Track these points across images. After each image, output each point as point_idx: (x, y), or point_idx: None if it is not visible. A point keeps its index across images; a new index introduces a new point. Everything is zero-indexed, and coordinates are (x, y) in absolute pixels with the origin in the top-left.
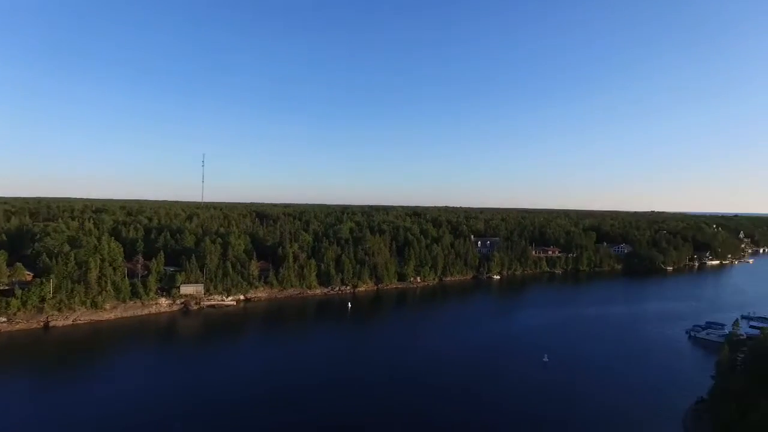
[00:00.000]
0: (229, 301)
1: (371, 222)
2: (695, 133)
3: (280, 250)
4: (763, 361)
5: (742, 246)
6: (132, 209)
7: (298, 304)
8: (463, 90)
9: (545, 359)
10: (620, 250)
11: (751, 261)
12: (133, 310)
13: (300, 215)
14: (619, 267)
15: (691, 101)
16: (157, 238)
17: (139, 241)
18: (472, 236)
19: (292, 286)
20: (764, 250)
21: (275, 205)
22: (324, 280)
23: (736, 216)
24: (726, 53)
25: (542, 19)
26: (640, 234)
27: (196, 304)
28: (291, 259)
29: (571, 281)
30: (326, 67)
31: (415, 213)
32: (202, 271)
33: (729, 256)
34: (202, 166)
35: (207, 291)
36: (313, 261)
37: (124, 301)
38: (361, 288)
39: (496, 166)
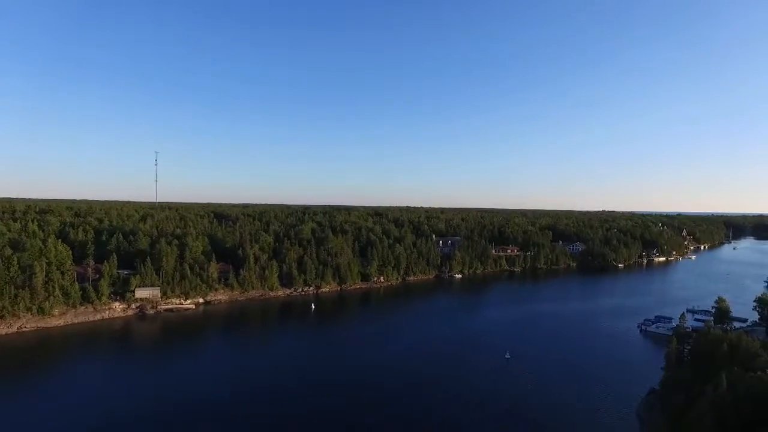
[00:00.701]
0: (188, 304)
1: (333, 222)
2: (641, 135)
3: (240, 251)
4: (706, 352)
5: (685, 243)
6: (80, 210)
7: (259, 306)
8: (419, 92)
9: (507, 356)
10: (575, 248)
11: (693, 257)
12: (84, 315)
13: (260, 216)
14: (574, 264)
15: (635, 103)
16: (109, 240)
17: (90, 243)
18: (434, 236)
19: (253, 287)
20: (704, 247)
21: (234, 206)
22: (286, 281)
23: (679, 215)
24: (670, 55)
25: (485, 22)
26: (593, 233)
27: (152, 308)
28: (252, 261)
29: (529, 279)
30: (287, 65)
31: (377, 213)
32: (158, 273)
33: (674, 252)
34: (155, 165)
35: (164, 294)
36: (274, 262)
37: (74, 307)
38: (325, 289)
39: (456, 167)
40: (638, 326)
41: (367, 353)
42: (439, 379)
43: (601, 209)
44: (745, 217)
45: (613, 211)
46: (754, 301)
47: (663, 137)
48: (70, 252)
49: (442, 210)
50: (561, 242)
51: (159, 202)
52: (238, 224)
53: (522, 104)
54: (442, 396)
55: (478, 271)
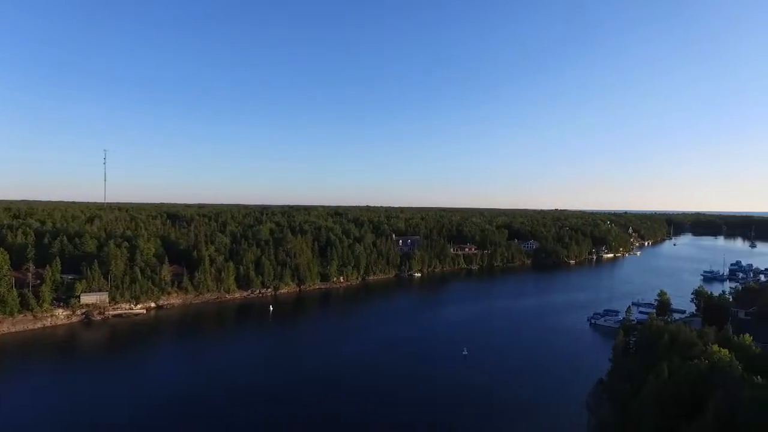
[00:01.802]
0: (138, 309)
1: (292, 222)
2: (590, 135)
3: (195, 253)
4: (650, 342)
5: (631, 240)
6: (20, 211)
7: (215, 310)
8: (377, 92)
9: (465, 352)
10: (529, 246)
11: (638, 253)
12: (23, 324)
13: (216, 216)
14: (528, 262)
15: (582, 105)
16: (52, 243)
17: (30, 246)
18: (394, 235)
19: (208, 290)
20: (648, 243)
21: (189, 206)
22: (243, 283)
23: (625, 213)
24: (620, 53)
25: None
26: (547, 231)
27: (99, 314)
28: (207, 263)
29: (486, 276)
30: (240, 63)
31: (337, 213)
32: (106, 278)
33: (621, 249)
34: (104, 164)
35: (112, 299)
36: (231, 264)
37: (11, 315)
38: (283, 290)
39: (415, 167)
40: (588, 320)
41: (327, 353)
42: (397, 377)
43: (553, 208)
44: (684, 214)
45: (565, 210)
46: (692, 293)
47: (609, 138)
48: (7, 256)
49: (402, 209)
50: (516, 240)
51: (108, 203)
52: (192, 225)
53: (477, 107)
54: (400, 393)
55: (437, 270)
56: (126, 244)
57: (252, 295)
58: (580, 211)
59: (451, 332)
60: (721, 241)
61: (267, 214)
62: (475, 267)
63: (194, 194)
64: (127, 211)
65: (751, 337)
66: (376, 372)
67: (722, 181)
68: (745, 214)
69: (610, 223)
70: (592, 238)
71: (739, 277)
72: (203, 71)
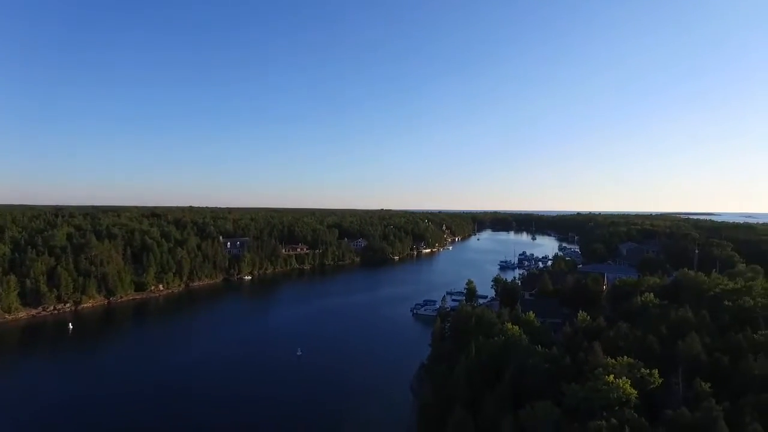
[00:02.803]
0: None
1: (97, 225)
2: (416, 145)
3: None
4: (461, 326)
5: (445, 236)
6: None
7: None
8: (199, 92)
9: (299, 353)
10: (358, 244)
11: (450, 248)
12: None
13: None
14: (358, 259)
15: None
16: None
17: None
18: (221, 237)
19: None
20: (459, 239)
21: None
22: (32, 299)
23: (440, 212)
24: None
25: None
26: (374, 229)
27: None
28: None
29: (318, 275)
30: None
31: (154, 214)
32: None
33: (437, 244)
34: None
35: None
36: (12, 277)
37: None
38: (87, 304)
39: (244, 166)
40: (410, 310)
41: (144, 371)
42: (228, 385)
43: (380, 208)
44: (485, 213)
45: (389, 209)
46: (492, 280)
47: (428, 149)
48: None
49: (230, 210)
50: (346, 239)
51: None
52: None
53: (292, 105)
54: (234, 401)
55: (269, 271)
56: None
57: (43, 312)
58: (403, 210)
59: (284, 334)
60: (512, 235)
61: (62, 216)
62: (307, 267)
63: None
64: None
65: (534, 314)
66: (204, 384)
67: (513, 186)
68: (528, 213)
69: (428, 222)
70: (413, 235)
71: (525, 264)
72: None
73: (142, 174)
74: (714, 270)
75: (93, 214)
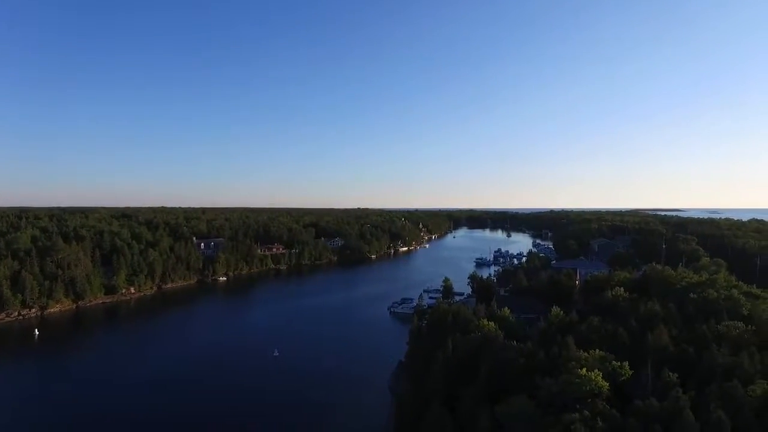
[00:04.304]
0: None
1: (64, 228)
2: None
3: None
4: (438, 323)
5: (422, 234)
6: None
7: None
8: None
9: (275, 353)
10: (335, 243)
11: (427, 246)
12: None
13: None
14: (335, 258)
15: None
16: None
17: None
18: (195, 238)
19: None
20: (435, 237)
21: None
22: None
23: (416, 210)
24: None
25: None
26: (351, 228)
27: None
28: None
29: (295, 275)
30: None
31: (125, 215)
32: None
33: (414, 243)
34: None
35: None
36: None
37: None
38: (54, 308)
39: (218, 167)
40: (388, 309)
41: (113, 376)
42: (202, 389)
43: (356, 207)
44: (461, 211)
45: (366, 208)
46: (468, 277)
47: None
48: None
49: (204, 210)
50: (323, 238)
51: None
52: None
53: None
54: (208, 405)
55: (244, 272)
56: None
57: (8, 318)
58: (379, 209)
59: (261, 335)
60: (487, 232)
61: (27, 218)
62: (283, 267)
63: None
64: None
65: (509, 310)
66: (179, 387)
67: (488, 185)
68: (503, 211)
69: (405, 220)
70: (390, 234)
71: (501, 261)
72: None
73: (113, 175)
74: (680, 264)
75: (59, 215)
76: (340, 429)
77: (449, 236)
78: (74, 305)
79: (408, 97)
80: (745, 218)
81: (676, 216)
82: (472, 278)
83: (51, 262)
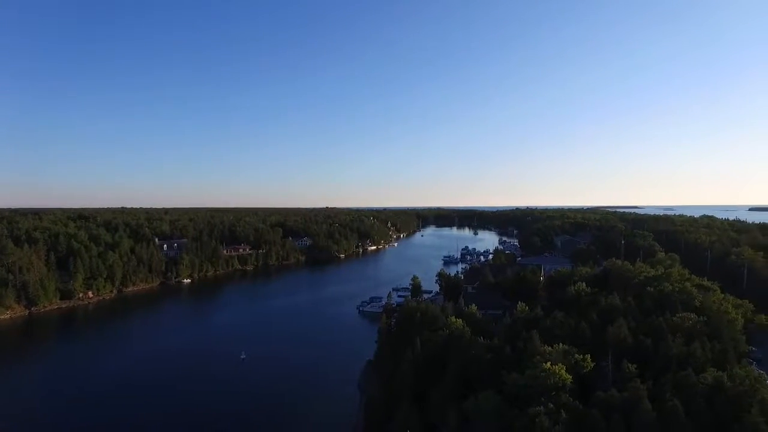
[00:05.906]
0: None
1: (16, 230)
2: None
3: None
4: (407, 321)
5: (390, 233)
6: None
7: None
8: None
9: (243, 356)
10: (303, 243)
11: (396, 245)
12: None
13: None
14: (303, 258)
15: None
16: None
17: None
18: (157, 239)
19: None
20: (404, 235)
21: None
22: None
23: (385, 209)
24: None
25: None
26: (318, 227)
27: None
28: None
29: (262, 276)
30: None
31: (81, 216)
32: None
33: (382, 241)
34: None
35: None
36: None
37: None
38: (5, 315)
39: (182, 166)
40: (357, 308)
41: (69, 385)
42: (166, 395)
43: (324, 206)
44: (429, 209)
45: (335, 207)
46: (436, 275)
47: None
48: None
49: (167, 210)
50: (290, 238)
51: None
52: None
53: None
54: (172, 411)
55: (210, 274)
56: None
57: None
58: (347, 208)
59: (228, 338)
60: (455, 230)
61: None
62: (250, 267)
63: None
64: None
65: (476, 307)
66: (140, 397)
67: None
68: (470, 209)
69: (373, 219)
70: (358, 233)
71: (468, 259)
72: None
73: (68, 175)
74: (638, 258)
75: (10, 217)
76: (310, 429)
77: (418, 235)
78: (27, 311)
79: (380, 99)
80: (696, 215)
81: (634, 213)
82: (440, 276)
83: (1, 266)
